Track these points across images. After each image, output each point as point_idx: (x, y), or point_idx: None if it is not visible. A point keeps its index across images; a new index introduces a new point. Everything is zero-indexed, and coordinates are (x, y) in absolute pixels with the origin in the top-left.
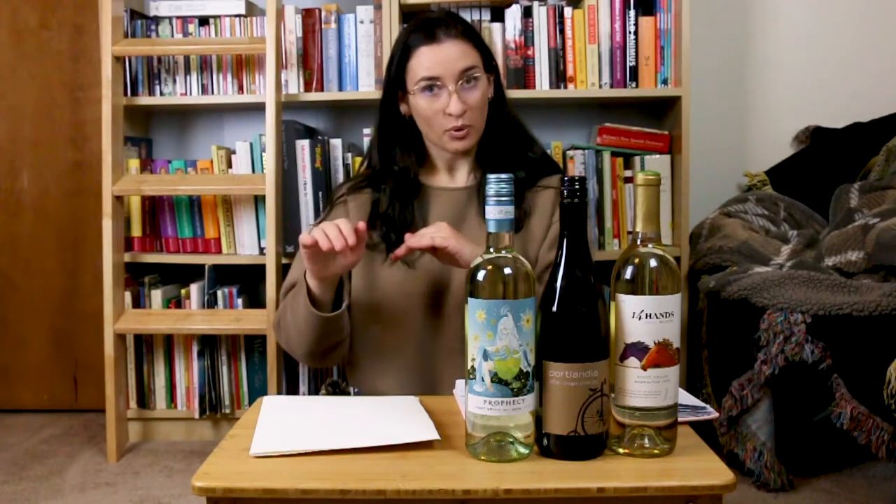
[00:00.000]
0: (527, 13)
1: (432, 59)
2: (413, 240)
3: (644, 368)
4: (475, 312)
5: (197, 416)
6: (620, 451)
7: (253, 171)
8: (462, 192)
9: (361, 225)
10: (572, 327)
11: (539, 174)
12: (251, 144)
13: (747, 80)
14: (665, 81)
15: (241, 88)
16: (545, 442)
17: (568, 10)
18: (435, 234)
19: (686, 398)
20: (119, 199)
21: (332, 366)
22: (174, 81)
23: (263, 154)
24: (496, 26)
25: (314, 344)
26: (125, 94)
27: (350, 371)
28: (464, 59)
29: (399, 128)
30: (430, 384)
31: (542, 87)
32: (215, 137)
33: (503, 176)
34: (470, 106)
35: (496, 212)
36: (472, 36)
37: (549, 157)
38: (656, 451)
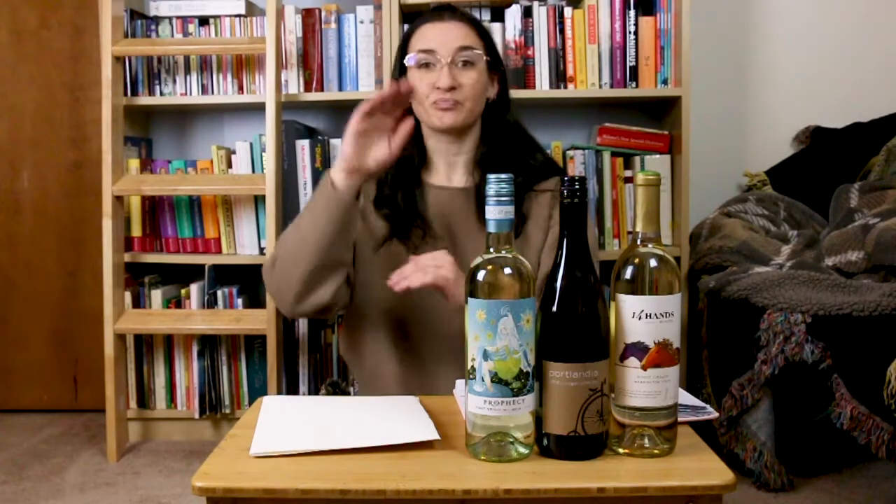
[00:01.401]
0: (527, 13)
1: (431, 33)
2: (415, 278)
3: (644, 368)
4: (475, 312)
5: (197, 416)
6: (620, 451)
7: (253, 171)
8: (459, 192)
9: (405, 84)
10: (572, 327)
11: (536, 179)
12: (251, 144)
13: (747, 80)
14: (665, 81)
15: (241, 88)
16: (545, 442)
17: (568, 10)
18: (437, 270)
19: (686, 398)
20: (119, 199)
21: (313, 316)
22: (174, 81)
23: (263, 154)
24: (496, 26)
25: (317, 256)
26: (125, 94)
27: (351, 362)
28: (463, 38)
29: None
30: (428, 382)
31: (542, 87)
32: (215, 137)
33: (503, 176)
34: (461, 84)
35: (496, 212)
36: (479, 29)
37: (552, 162)
38: (656, 451)
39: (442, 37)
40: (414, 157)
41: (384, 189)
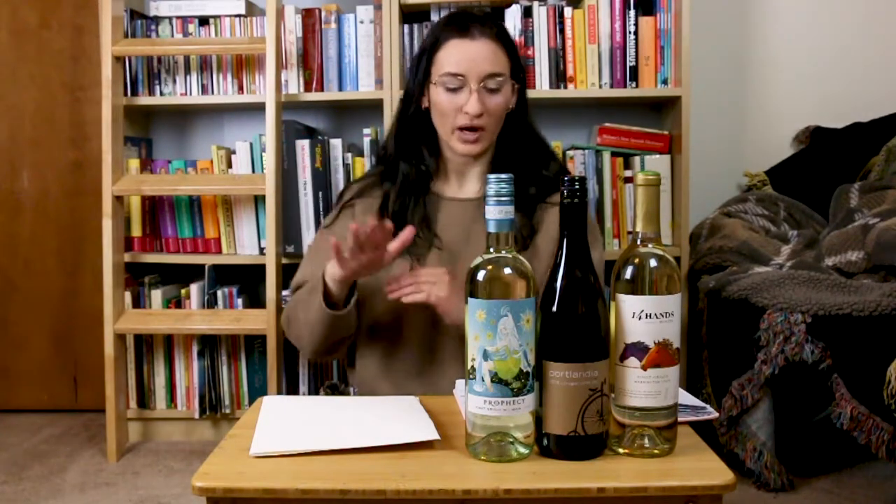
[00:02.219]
0: (527, 13)
1: (461, 54)
2: (409, 294)
3: (644, 368)
4: (475, 312)
5: (197, 416)
6: (620, 451)
7: (253, 171)
8: (470, 203)
9: (389, 224)
10: (572, 327)
11: (549, 191)
12: (251, 144)
13: (747, 80)
14: (665, 81)
15: (241, 88)
16: (545, 442)
17: (568, 10)
18: (431, 287)
19: (686, 398)
20: (119, 199)
21: (336, 359)
22: (174, 81)
23: (263, 154)
24: None
25: (323, 340)
26: (125, 94)
27: (350, 371)
28: (492, 62)
29: (418, 120)
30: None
31: (542, 87)
32: (215, 137)
33: (503, 176)
34: (488, 110)
35: (496, 212)
36: (506, 41)
37: (566, 173)
38: (656, 451)
39: (471, 60)
40: (424, 163)
41: (391, 202)
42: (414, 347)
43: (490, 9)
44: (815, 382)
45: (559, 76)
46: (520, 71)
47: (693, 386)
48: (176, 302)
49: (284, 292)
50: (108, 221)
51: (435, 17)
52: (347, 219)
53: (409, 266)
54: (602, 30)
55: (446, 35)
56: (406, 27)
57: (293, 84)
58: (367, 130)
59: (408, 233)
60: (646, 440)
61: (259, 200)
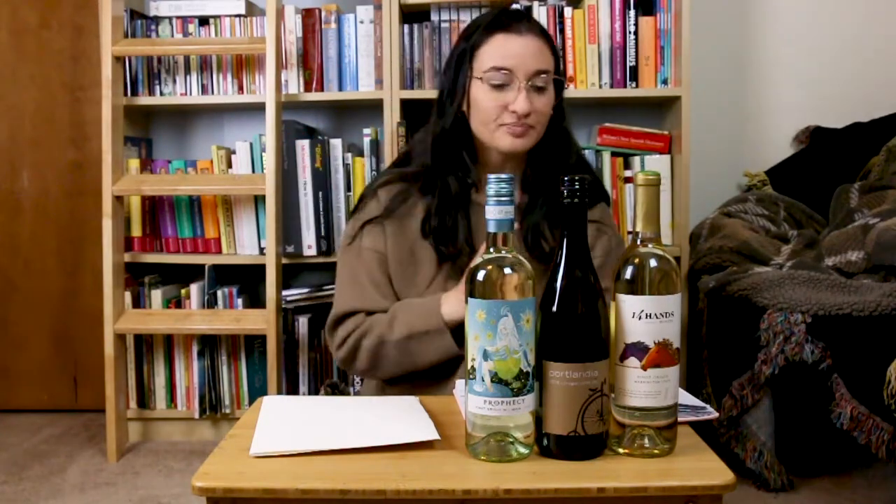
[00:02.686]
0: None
1: (508, 48)
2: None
3: (644, 368)
4: (475, 312)
5: (197, 416)
6: (620, 451)
7: (253, 171)
8: None
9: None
10: (572, 327)
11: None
12: (251, 144)
13: (747, 80)
14: (665, 81)
15: (241, 88)
16: (545, 442)
17: (568, 10)
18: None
19: (686, 398)
20: (119, 199)
21: None
22: (174, 81)
23: (263, 154)
24: None
25: (417, 370)
26: (125, 94)
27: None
28: (541, 59)
29: (456, 125)
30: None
31: None
32: (215, 137)
33: (503, 176)
34: (536, 109)
35: (496, 212)
36: (551, 43)
37: (599, 185)
38: (656, 451)
39: (519, 56)
40: (471, 180)
41: (432, 218)
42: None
43: (490, 9)
44: (815, 382)
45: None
46: (561, 70)
47: (693, 386)
48: (176, 302)
49: (285, 292)
50: (108, 221)
51: (435, 18)
52: (377, 237)
53: (451, 277)
54: (602, 30)
55: (490, 30)
56: (406, 27)
57: (293, 84)
58: (367, 130)
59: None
60: (646, 440)
61: (259, 200)
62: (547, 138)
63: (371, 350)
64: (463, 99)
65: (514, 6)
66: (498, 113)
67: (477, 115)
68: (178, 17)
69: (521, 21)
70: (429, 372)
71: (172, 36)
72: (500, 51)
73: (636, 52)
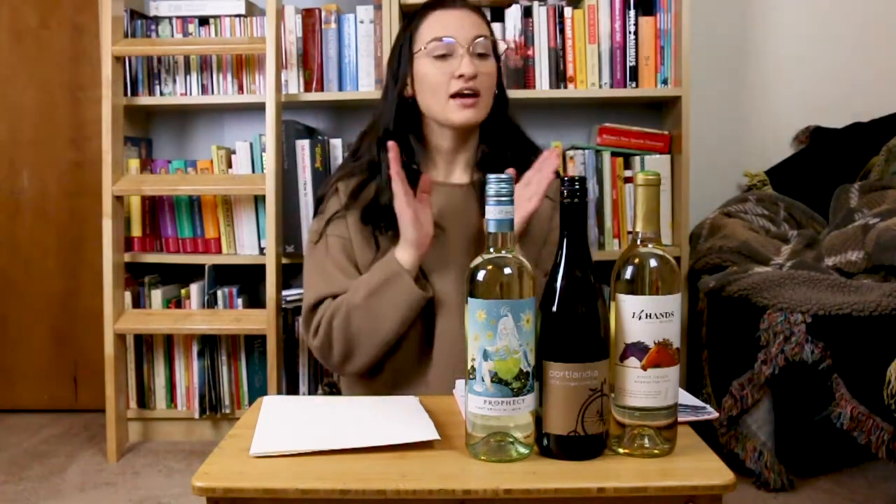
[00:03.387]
0: (527, 13)
1: (445, 20)
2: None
3: (644, 368)
4: (475, 312)
5: (197, 416)
6: (620, 451)
7: (253, 171)
8: (459, 188)
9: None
10: (572, 327)
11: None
12: (251, 144)
13: (747, 80)
14: (665, 81)
15: (241, 88)
16: (545, 442)
17: (568, 10)
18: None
19: (686, 398)
20: (119, 199)
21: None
22: (174, 81)
23: (263, 154)
24: (496, 26)
25: (394, 336)
26: (125, 94)
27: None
28: (478, 26)
29: (401, 110)
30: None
31: (542, 87)
32: (215, 137)
33: (503, 176)
34: (481, 72)
35: (496, 212)
36: (483, 16)
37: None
38: (656, 451)
39: (457, 25)
40: (414, 157)
41: (382, 196)
42: (409, 360)
43: (490, 9)
44: (815, 382)
45: (559, 76)
46: (497, 51)
47: (693, 386)
48: (176, 302)
49: (285, 292)
50: (108, 221)
51: None
52: (341, 226)
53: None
54: (602, 30)
55: (425, 11)
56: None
57: (293, 84)
58: None
59: (427, 181)
60: (646, 440)
61: (259, 200)
62: (494, 123)
63: (341, 327)
64: (406, 81)
65: (514, 7)
66: (446, 82)
67: (426, 91)
68: (178, 17)
69: (455, 1)
70: (404, 369)
71: (172, 36)
72: (438, 23)
73: (636, 52)
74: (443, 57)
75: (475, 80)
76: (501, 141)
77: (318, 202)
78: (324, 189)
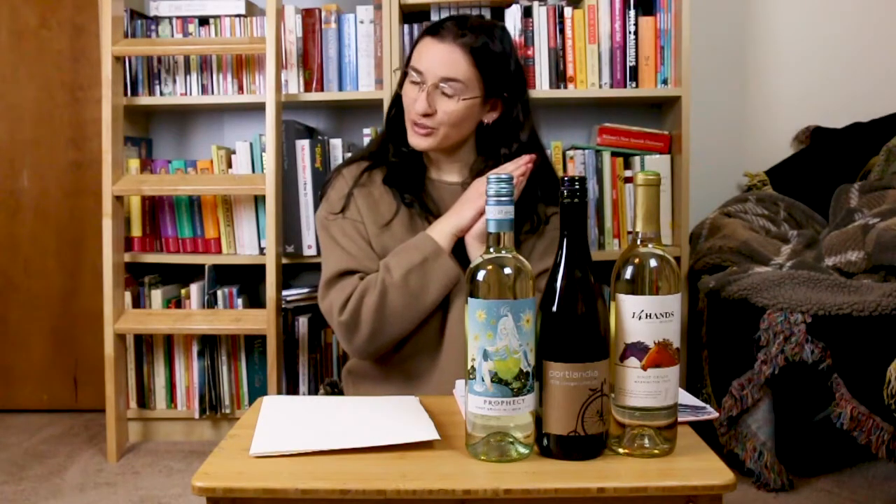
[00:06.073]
0: (527, 13)
1: (425, 51)
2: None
3: (644, 368)
4: (475, 312)
5: (197, 416)
6: (620, 451)
7: (253, 171)
8: (452, 186)
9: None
10: (572, 327)
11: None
12: (251, 144)
13: (747, 80)
14: (665, 81)
15: (241, 88)
16: (545, 442)
17: (568, 10)
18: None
19: (686, 398)
20: (119, 199)
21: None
22: (174, 81)
23: (263, 154)
24: None
25: (424, 313)
26: (125, 94)
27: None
28: (450, 67)
29: (402, 109)
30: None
31: (542, 87)
32: (215, 137)
33: (503, 176)
34: (436, 111)
35: (496, 212)
36: (478, 56)
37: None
38: (656, 451)
39: (432, 60)
40: (413, 151)
41: (396, 172)
42: (414, 356)
43: (490, 9)
44: (815, 382)
45: (559, 76)
46: (500, 88)
47: (693, 386)
48: (176, 302)
49: (285, 292)
50: (108, 221)
51: (435, 17)
52: (352, 208)
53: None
54: (602, 30)
55: (424, 33)
56: (406, 27)
57: (293, 84)
58: (367, 130)
59: (528, 158)
60: (646, 440)
61: (259, 200)
62: (493, 145)
63: (375, 305)
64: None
65: (514, 6)
66: (409, 107)
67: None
68: (178, 17)
69: (449, 28)
70: (410, 365)
71: (172, 36)
72: (420, 52)
73: (636, 52)
74: (416, 83)
75: (429, 118)
76: (498, 149)
77: (326, 183)
78: (332, 173)
